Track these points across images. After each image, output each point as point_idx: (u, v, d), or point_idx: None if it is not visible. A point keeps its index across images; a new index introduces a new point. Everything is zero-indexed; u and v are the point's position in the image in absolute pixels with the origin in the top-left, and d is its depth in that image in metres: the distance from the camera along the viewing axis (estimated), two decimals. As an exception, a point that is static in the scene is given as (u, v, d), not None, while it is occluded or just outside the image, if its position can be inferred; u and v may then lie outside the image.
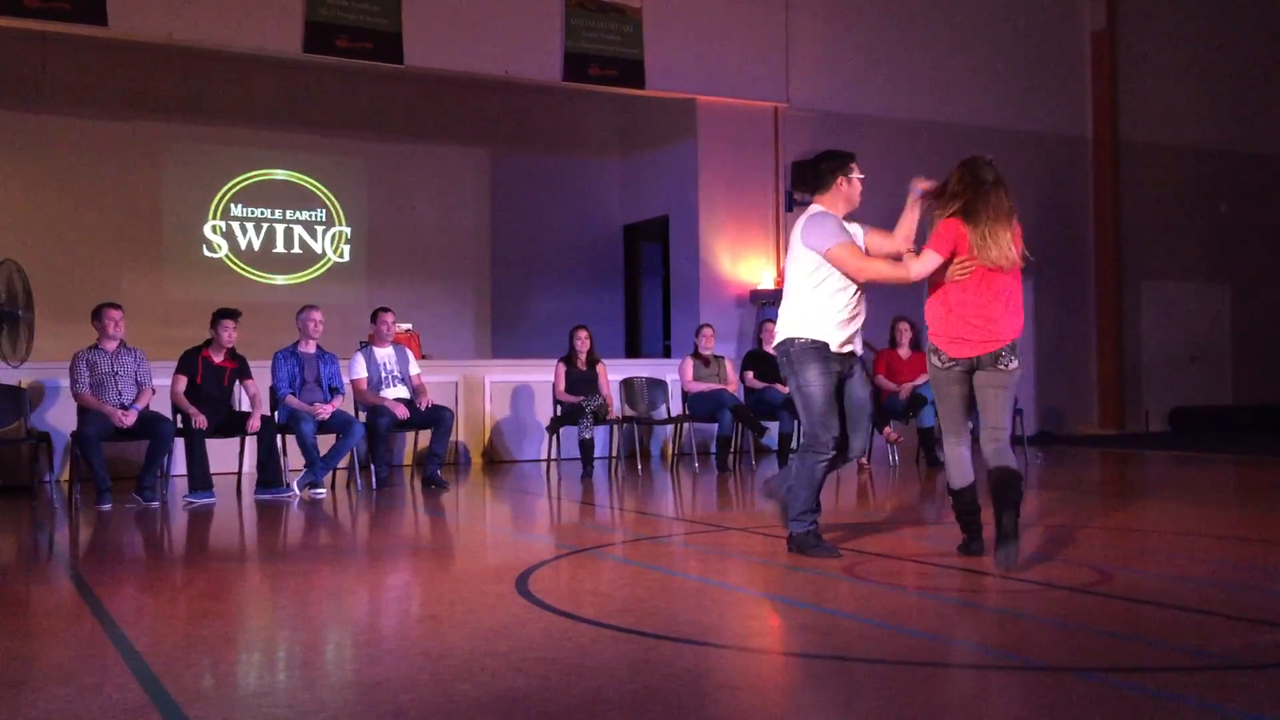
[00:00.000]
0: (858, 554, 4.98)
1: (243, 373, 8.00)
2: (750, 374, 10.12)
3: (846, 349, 4.92)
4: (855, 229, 5.02)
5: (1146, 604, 3.99)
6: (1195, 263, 14.82)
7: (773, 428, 10.09)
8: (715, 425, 9.75)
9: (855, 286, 4.90)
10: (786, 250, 5.19)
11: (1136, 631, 3.63)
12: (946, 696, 2.96)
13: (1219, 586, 4.37)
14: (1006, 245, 4.62)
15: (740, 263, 12.13)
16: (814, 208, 5.01)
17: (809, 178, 5.13)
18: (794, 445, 9.97)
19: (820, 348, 4.86)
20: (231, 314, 7.88)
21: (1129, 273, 14.30)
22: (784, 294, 5.11)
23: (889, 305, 10.85)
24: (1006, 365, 4.64)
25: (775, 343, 5.07)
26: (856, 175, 5.02)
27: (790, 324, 4.96)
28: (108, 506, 7.13)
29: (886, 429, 9.99)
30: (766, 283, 12.06)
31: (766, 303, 11.92)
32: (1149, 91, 14.42)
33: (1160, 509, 6.94)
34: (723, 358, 10.21)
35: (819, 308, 4.88)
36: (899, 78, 12.88)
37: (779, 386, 9.95)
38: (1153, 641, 3.47)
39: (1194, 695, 2.88)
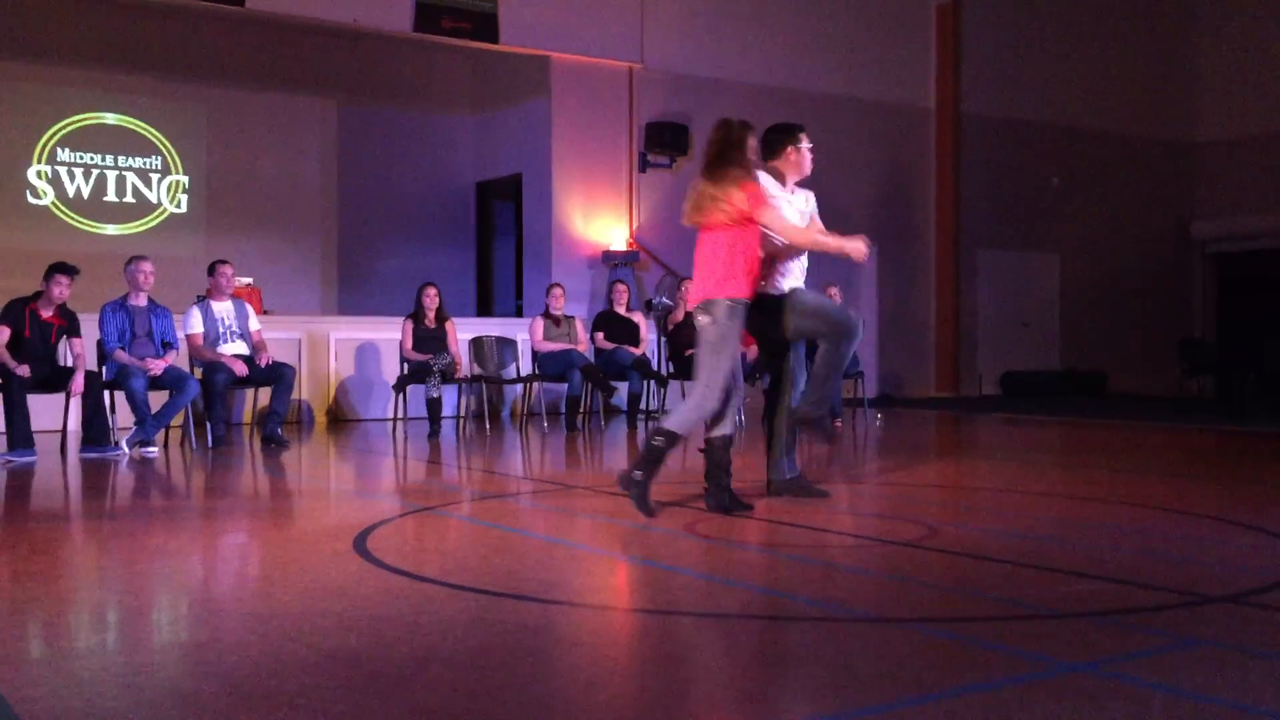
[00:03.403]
0: (699, 512, 5.06)
1: (71, 330, 7.62)
2: (600, 334, 10.15)
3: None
4: (804, 195, 5.27)
5: (968, 557, 4.17)
6: (1028, 233, 15.48)
7: (622, 388, 10.15)
8: (565, 385, 9.76)
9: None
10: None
11: (958, 583, 3.79)
12: (777, 647, 3.04)
13: (1036, 540, 4.59)
14: (692, 201, 4.89)
15: (593, 223, 12.11)
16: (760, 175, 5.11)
17: (762, 146, 5.22)
18: (643, 406, 10.10)
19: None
20: (67, 269, 7.48)
21: (966, 242, 14.84)
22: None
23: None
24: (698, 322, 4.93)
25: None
26: (806, 145, 5.22)
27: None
28: (-83, 465, 6.74)
29: None
30: (619, 243, 12.09)
31: (618, 263, 11.95)
32: (990, 65, 14.92)
33: (988, 468, 7.25)
34: (573, 318, 10.21)
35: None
36: (752, 43, 13.00)
37: (628, 347, 10.02)
38: (972, 592, 3.63)
39: (1007, 643, 3.03)
